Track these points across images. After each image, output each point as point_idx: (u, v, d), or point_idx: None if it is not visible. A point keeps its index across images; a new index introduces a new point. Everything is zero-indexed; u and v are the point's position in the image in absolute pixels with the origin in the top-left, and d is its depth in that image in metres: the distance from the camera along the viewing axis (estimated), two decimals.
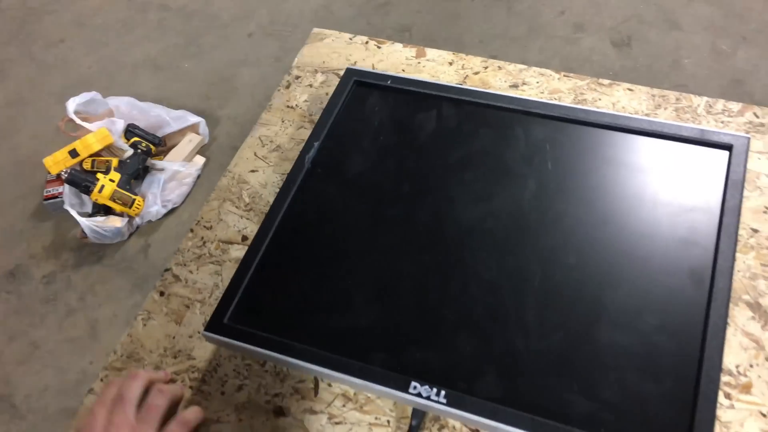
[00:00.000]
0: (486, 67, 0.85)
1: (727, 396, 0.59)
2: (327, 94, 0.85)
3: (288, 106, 0.85)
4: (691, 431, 0.52)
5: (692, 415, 0.53)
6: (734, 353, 0.61)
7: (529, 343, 0.58)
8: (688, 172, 0.65)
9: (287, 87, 0.87)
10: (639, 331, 0.57)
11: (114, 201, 1.68)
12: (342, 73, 0.86)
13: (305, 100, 0.85)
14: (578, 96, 0.79)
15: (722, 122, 0.75)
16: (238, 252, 0.74)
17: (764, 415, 0.57)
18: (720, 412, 0.58)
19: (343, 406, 0.63)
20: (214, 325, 0.62)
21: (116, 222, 1.70)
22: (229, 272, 0.72)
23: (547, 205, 0.65)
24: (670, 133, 0.68)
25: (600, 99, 0.79)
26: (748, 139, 0.66)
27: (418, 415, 0.59)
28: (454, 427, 0.61)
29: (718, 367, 0.54)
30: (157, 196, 1.73)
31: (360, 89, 0.77)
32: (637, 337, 0.57)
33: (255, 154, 0.81)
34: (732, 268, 0.59)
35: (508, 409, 0.55)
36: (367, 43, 0.90)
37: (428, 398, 0.56)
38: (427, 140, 0.72)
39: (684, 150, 0.67)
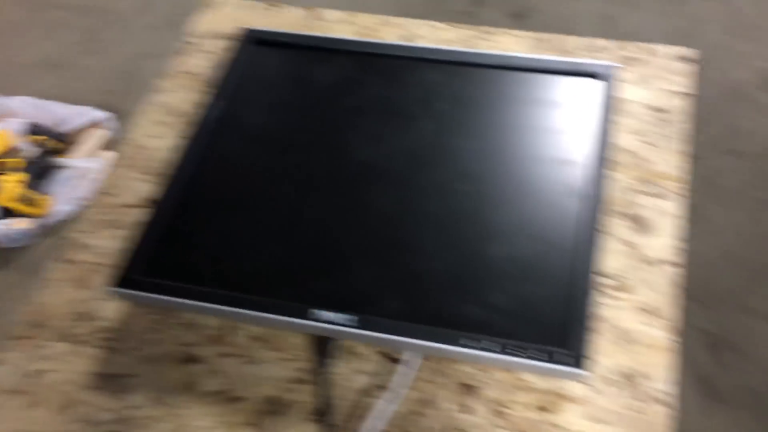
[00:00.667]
0: (381, 25, 0.88)
1: (610, 296, 0.64)
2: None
3: (188, 73, 0.85)
4: (570, 324, 0.56)
5: (570, 310, 0.57)
6: (615, 259, 0.66)
7: (427, 264, 0.61)
8: (566, 100, 0.70)
9: (186, 55, 0.87)
10: (524, 244, 0.61)
11: (19, 202, 1.62)
12: None
13: (206, 66, 0.86)
14: (468, 45, 0.84)
15: (597, 58, 0.80)
16: (143, 216, 0.74)
17: (642, 309, 0.63)
18: (604, 311, 0.63)
19: (258, 347, 0.65)
20: (121, 280, 0.63)
21: (24, 224, 1.64)
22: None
23: (440, 141, 0.69)
24: (550, 67, 0.73)
25: (487, 44, 0.83)
26: (618, 67, 0.71)
27: (330, 344, 0.62)
28: (361, 354, 0.64)
29: (589, 268, 0.59)
30: (66, 195, 1.69)
31: (259, 48, 0.79)
32: (523, 249, 0.61)
33: (156, 120, 0.81)
34: (605, 182, 0.64)
35: (412, 324, 0.58)
36: (265, 8, 0.91)
37: (338, 324, 0.58)
38: (326, 92, 0.74)
39: (562, 82, 0.72)
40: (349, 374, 0.63)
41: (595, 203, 0.63)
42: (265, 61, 0.78)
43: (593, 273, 0.59)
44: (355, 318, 0.58)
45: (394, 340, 0.58)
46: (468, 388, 0.61)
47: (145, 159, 0.78)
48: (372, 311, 0.59)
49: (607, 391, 0.59)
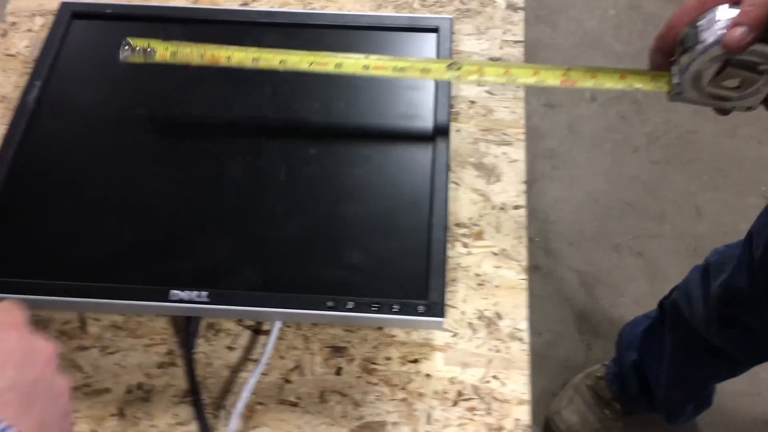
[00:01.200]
0: None
1: (465, 245, 0.66)
2: None
3: (7, 55, 0.79)
4: (429, 276, 0.58)
5: (429, 262, 0.59)
6: (466, 208, 0.68)
7: (281, 231, 0.61)
8: (404, 55, 0.71)
9: (3, 35, 0.80)
10: (376, 202, 0.62)
11: None
12: None
13: (26, 46, 0.79)
14: (306, 5, 0.82)
15: (435, 13, 0.82)
16: None
17: (495, 254, 0.66)
18: (461, 260, 0.65)
19: (114, 336, 0.62)
20: None
21: None
22: None
23: (283, 106, 0.68)
24: (387, 24, 0.73)
25: (327, 6, 0.82)
26: (451, 19, 0.73)
27: (191, 323, 0.60)
28: (229, 330, 0.63)
29: (444, 220, 0.61)
30: None
31: (80, 22, 0.74)
32: (378, 206, 0.62)
33: None
34: (448, 131, 0.66)
35: (270, 294, 0.57)
36: None
37: (192, 302, 0.57)
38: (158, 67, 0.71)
39: (399, 38, 0.72)
40: (220, 351, 0.62)
41: (444, 155, 0.64)
42: (85, 36, 0.73)
43: (448, 225, 0.60)
44: (207, 294, 0.57)
45: (252, 312, 0.58)
46: (337, 350, 0.61)
47: None
48: (228, 285, 0.58)
49: (469, 335, 0.62)
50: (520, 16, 0.81)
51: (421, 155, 0.65)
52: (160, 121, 0.67)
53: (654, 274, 1.56)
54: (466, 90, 0.75)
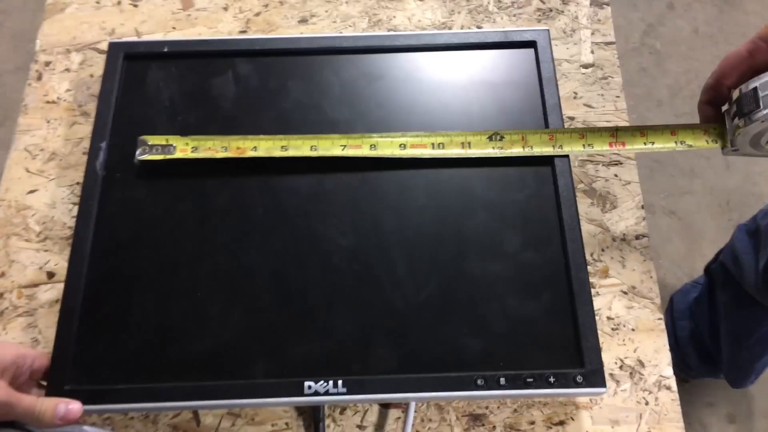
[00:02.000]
0: (266, 5, 0.76)
1: (591, 285, 0.61)
2: (92, 76, 0.71)
3: (48, 102, 0.70)
4: (577, 336, 0.53)
5: (574, 317, 0.54)
6: (585, 243, 0.63)
7: (408, 300, 0.55)
8: (502, 79, 0.64)
9: (39, 78, 0.72)
10: (505, 254, 0.57)
11: None
12: (102, 46, 0.73)
13: (67, 90, 0.71)
14: (372, 18, 0.74)
15: (515, 15, 0.75)
16: (49, 294, 0.62)
17: (625, 293, 0.61)
18: (594, 301, 0.61)
19: (233, 425, 0.57)
20: (53, 395, 0.52)
21: None
22: (46, 321, 0.60)
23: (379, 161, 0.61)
24: (476, 41, 0.66)
25: (394, 16, 0.75)
26: (548, 31, 0.66)
27: (319, 410, 0.56)
28: (355, 407, 0.58)
29: (583, 265, 0.56)
30: None
31: (134, 65, 0.65)
32: (505, 260, 0.57)
33: (27, 170, 0.67)
34: (569, 164, 0.60)
35: (408, 376, 0.52)
36: (119, 3, 0.76)
37: (327, 393, 0.52)
38: (232, 109, 0.63)
39: (492, 56, 0.65)
40: (350, 430, 0.57)
41: (569, 184, 0.58)
42: (150, 80, 0.64)
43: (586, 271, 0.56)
44: (342, 382, 0.52)
45: (394, 398, 0.53)
46: (476, 418, 0.57)
47: (30, 221, 0.65)
48: (361, 369, 0.53)
49: (614, 388, 0.58)
50: (607, 12, 0.74)
51: (542, 192, 0.59)
52: (248, 179, 0.60)
53: (689, 233, 1.54)
54: (563, 104, 0.69)
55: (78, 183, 0.66)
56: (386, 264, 0.56)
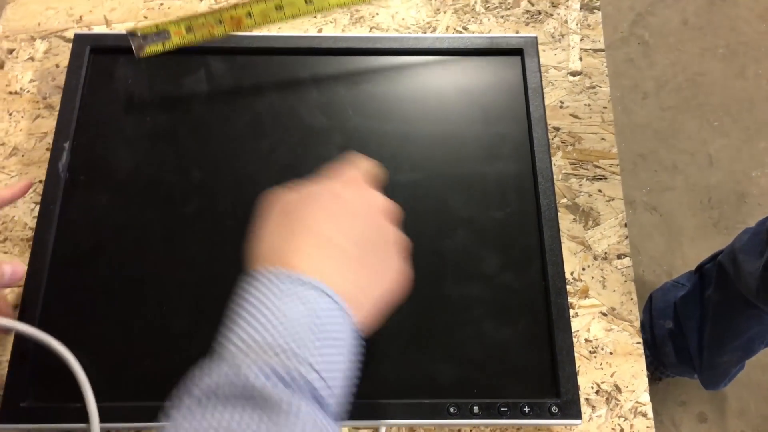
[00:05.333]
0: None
1: (570, 306, 0.60)
2: (57, 66, 0.68)
3: (11, 93, 0.67)
4: (554, 365, 0.52)
5: (552, 344, 0.53)
6: (566, 260, 0.61)
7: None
8: (487, 87, 0.62)
9: (1, 67, 0.68)
10: (483, 276, 0.55)
11: None
12: (69, 34, 0.69)
13: (31, 80, 0.67)
14: (354, 14, 0.71)
15: (502, 17, 0.72)
16: (8, 297, 0.59)
17: (605, 315, 0.60)
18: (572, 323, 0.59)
19: None
20: (9, 412, 0.50)
21: None
22: None
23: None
24: (461, 47, 0.63)
25: (377, 13, 0.72)
26: (536, 39, 0.63)
27: None
28: None
29: (563, 290, 0.54)
30: None
31: (101, 59, 0.62)
32: (483, 282, 0.55)
33: None
34: (552, 181, 0.58)
35: (378, 401, 0.51)
36: None
37: None
38: (204, 110, 0.60)
39: (477, 63, 0.63)
40: None
41: (551, 210, 0.57)
42: (118, 75, 0.61)
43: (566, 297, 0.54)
44: None
45: (364, 425, 0.51)
46: None
47: None
48: None
49: (589, 414, 0.56)
50: (597, 17, 0.72)
51: (524, 213, 0.57)
52: (218, 187, 0.57)
53: (669, 230, 1.54)
54: (549, 114, 0.67)
55: (41, 181, 0.63)
56: None
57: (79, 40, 0.62)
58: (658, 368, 1.29)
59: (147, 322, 0.53)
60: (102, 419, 0.49)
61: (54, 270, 0.54)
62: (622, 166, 1.59)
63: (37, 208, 0.58)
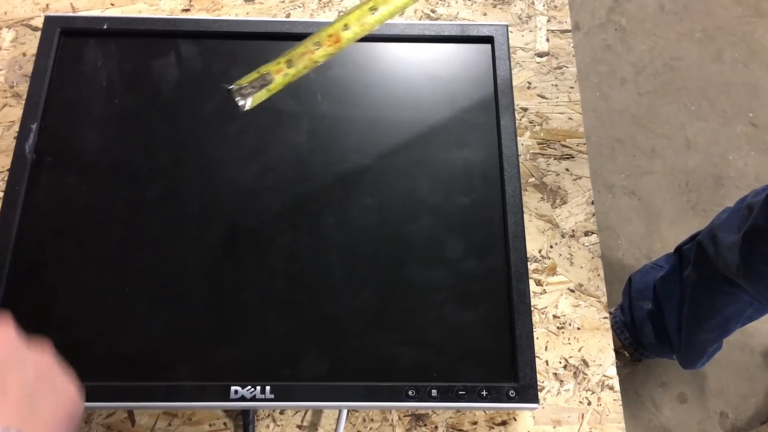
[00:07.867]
0: None
1: (538, 283, 0.61)
2: (24, 55, 0.68)
3: None
4: (513, 349, 0.53)
5: (512, 329, 0.53)
6: (534, 238, 0.62)
7: (343, 307, 0.54)
8: (456, 74, 0.62)
9: None
10: (445, 260, 0.55)
11: None
12: (36, 23, 0.69)
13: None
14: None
15: (470, 0, 0.72)
16: None
17: (572, 291, 0.61)
18: (536, 300, 0.60)
19: (169, 425, 0.56)
20: None
21: None
22: None
23: (327, 146, 0.59)
24: (431, 34, 0.64)
25: None
26: (506, 27, 0.64)
27: (248, 414, 0.54)
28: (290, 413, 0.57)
29: (525, 276, 0.55)
30: None
31: (71, 42, 0.62)
32: (444, 267, 0.55)
33: None
34: (518, 169, 0.59)
35: (338, 384, 0.51)
36: None
37: (254, 399, 0.50)
38: (173, 93, 0.60)
39: (448, 50, 0.63)
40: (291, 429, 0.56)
41: (516, 197, 0.57)
42: (87, 59, 0.61)
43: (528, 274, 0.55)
44: (269, 389, 0.50)
45: (322, 406, 0.52)
46: (418, 419, 0.56)
47: None
48: (291, 375, 0.52)
49: (557, 388, 0.57)
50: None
51: (489, 198, 0.57)
52: (184, 171, 0.57)
53: (648, 214, 1.55)
54: (516, 95, 0.67)
55: (8, 170, 0.63)
56: (324, 267, 0.55)
57: (50, 22, 0.62)
58: (637, 350, 1.31)
59: (110, 303, 0.53)
60: None
61: (18, 251, 0.54)
62: (600, 151, 1.61)
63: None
